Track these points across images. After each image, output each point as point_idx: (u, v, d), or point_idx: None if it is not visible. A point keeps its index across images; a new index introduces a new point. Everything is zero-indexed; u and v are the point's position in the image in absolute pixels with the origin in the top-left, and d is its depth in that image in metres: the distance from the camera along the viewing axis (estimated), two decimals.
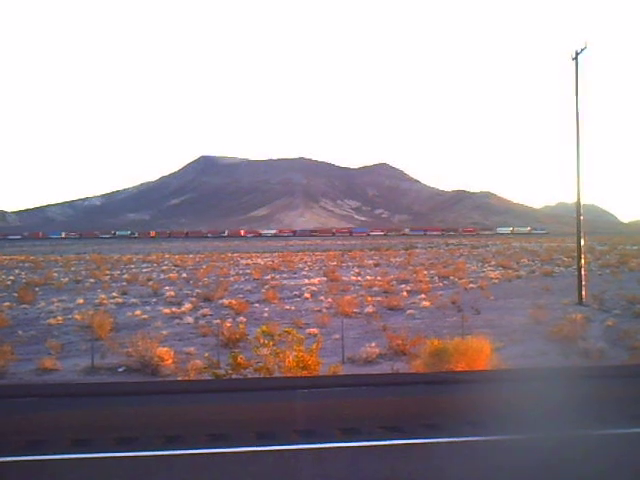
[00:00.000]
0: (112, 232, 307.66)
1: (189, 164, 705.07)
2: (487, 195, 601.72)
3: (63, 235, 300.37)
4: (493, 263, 70.22)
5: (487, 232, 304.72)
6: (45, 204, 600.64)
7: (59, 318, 28.94)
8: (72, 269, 70.22)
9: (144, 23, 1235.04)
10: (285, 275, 56.91)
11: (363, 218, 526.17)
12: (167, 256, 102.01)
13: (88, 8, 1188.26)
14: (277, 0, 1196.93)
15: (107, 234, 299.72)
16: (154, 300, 37.20)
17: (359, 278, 51.12)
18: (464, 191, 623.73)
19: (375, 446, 8.10)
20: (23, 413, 8.95)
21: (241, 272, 61.96)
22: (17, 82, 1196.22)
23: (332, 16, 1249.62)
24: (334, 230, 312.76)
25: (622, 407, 8.91)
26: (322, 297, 36.70)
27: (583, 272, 33.57)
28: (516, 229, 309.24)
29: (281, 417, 8.78)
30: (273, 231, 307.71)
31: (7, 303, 35.17)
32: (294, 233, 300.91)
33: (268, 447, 8.07)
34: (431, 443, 8.17)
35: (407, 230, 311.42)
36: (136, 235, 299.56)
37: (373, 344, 20.04)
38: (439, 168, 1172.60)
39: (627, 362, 16.80)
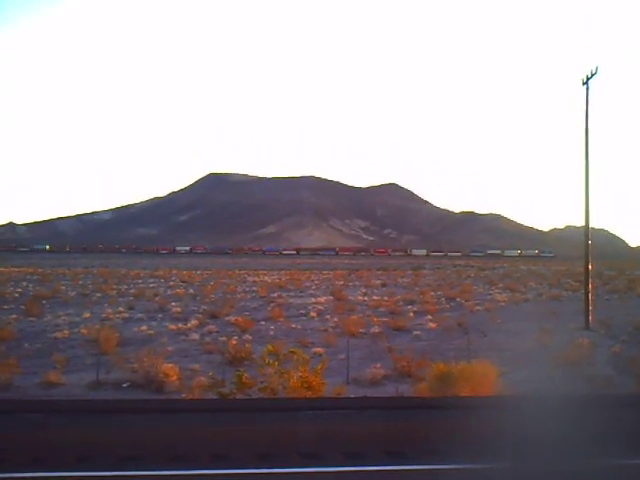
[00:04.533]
0: (29, 247, 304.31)
1: (198, 181, 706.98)
2: (496, 217, 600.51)
3: None
4: (500, 286, 70.00)
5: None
6: (55, 217, 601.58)
7: (65, 332, 29.02)
8: (80, 282, 70.42)
9: (152, 42, 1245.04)
10: (292, 293, 56.91)
11: (371, 238, 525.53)
12: (174, 272, 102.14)
13: (99, 26, 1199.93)
14: (284, 20, 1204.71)
15: (25, 247, 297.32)
16: (160, 316, 37.27)
17: (365, 298, 51.11)
18: (473, 213, 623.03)
19: (379, 471, 8.07)
20: (27, 429, 8.95)
21: (248, 289, 62.01)
22: (27, 95, 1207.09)
23: (341, 35, 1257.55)
24: (246, 249, 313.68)
25: (626, 437, 8.85)
26: (328, 316, 36.70)
27: (590, 297, 33.46)
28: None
29: (284, 439, 8.75)
30: (187, 248, 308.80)
31: (14, 315, 35.32)
32: (205, 249, 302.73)
33: (270, 470, 8.04)
34: (436, 469, 8.14)
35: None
36: (47, 248, 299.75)
37: (378, 365, 19.99)
38: (448, 189, 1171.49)
39: (633, 390, 16.68)
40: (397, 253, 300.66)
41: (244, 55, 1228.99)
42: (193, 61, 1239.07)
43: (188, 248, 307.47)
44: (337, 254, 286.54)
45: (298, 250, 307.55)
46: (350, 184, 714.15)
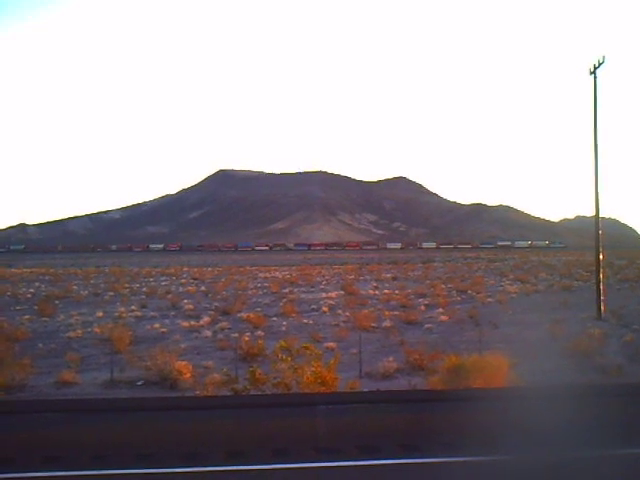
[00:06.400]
0: (6, 246, 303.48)
1: (208, 177, 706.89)
2: (505, 208, 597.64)
3: None
4: (511, 277, 69.85)
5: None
6: (65, 217, 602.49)
7: (78, 331, 29.19)
8: (91, 282, 70.69)
9: (159, 40, 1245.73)
10: (303, 289, 56.95)
11: (381, 231, 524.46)
12: (186, 269, 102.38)
13: (105, 26, 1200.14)
14: (290, 15, 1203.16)
15: (2, 248, 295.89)
16: (173, 313, 37.44)
17: (377, 292, 51.10)
18: (482, 204, 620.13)
19: (393, 464, 8.12)
20: (42, 429, 9.03)
21: (259, 285, 62.09)
22: (36, 96, 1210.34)
23: (350, 30, 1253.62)
24: (220, 245, 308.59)
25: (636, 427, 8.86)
26: (340, 311, 36.76)
27: (602, 287, 33.37)
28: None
29: (299, 434, 8.81)
30: (161, 245, 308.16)
31: (27, 316, 35.52)
32: (180, 248, 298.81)
33: (286, 465, 8.10)
34: (448, 462, 8.18)
35: (291, 245, 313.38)
36: (23, 248, 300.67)
37: (391, 359, 20.05)
38: (457, 181, 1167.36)
39: None
40: (370, 247, 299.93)
41: (252, 51, 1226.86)
42: (201, 59, 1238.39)
43: (161, 245, 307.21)
44: (309, 249, 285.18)
45: (271, 246, 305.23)
46: (359, 178, 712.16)
